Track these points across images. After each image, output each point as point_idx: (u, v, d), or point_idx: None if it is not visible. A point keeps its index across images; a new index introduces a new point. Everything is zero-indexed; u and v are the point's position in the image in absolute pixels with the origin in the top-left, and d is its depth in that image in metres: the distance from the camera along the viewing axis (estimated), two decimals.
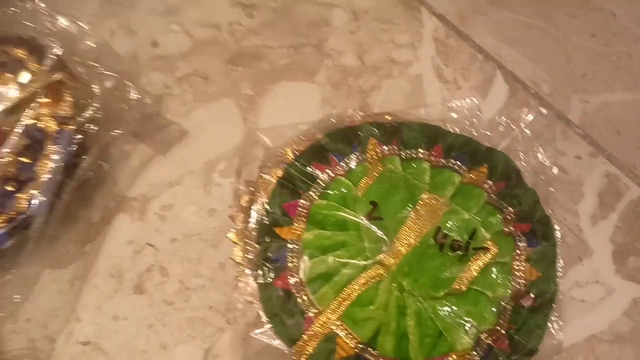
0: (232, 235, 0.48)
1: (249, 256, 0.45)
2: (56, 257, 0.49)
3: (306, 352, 0.42)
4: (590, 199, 0.52)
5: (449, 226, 0.45)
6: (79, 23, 0.54)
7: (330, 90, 0.57)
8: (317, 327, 0.42)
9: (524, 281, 0.44)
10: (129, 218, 0.51)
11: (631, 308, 0.47)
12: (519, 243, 0.45)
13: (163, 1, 0.61)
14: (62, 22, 0.53)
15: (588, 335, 0.47)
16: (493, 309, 0.44)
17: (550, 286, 0.44)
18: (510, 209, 0.47)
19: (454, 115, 0.52)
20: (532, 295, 0.44)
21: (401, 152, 0.49)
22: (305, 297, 0.44)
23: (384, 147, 0.49)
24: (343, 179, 0.48)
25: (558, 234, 0.47)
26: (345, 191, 0.47)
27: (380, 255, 0.44)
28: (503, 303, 0.44)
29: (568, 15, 0.61)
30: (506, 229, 0.46)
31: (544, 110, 0.55)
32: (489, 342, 0.43)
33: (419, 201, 0.46)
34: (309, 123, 0.51)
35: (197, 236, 0.50)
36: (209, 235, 0.50)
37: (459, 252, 0.44)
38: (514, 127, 0.51)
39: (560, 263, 0.46)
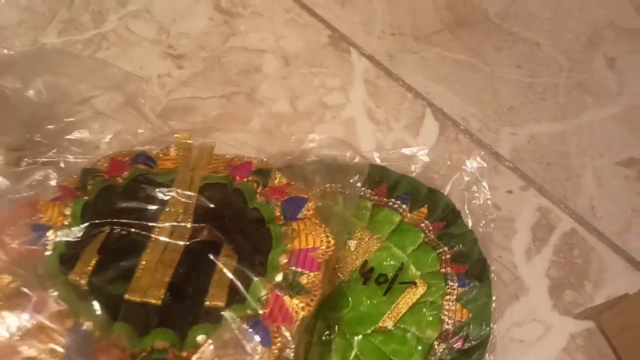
0: None
1: None
2: None
3: None
4: (524, 234, 0.50)
5: (378, 261, 0.44)
6: None
7: (264, 138, 0.55)
8: None
9: (452, 321, 0.43)
10: None
11: (569, 344, 0.46)
12: (450, 282, 0.44)
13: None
14: None
15: None
16: (419, 347, 0.42)
17: (481, 328, 0.43)
18: (446, 249, 0.46)
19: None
20: (461, 336, 0.42)
21: (345, 190, 0.47)
22: None
23: (328, 185, 0.48)
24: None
25: (494, 274, 0.46)
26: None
27: None
28: (434, 343, 0.42)
29: (495, 48, 0.60)
30: (442, 270, 0.45)
31: (474, 148, 0.54)
32: None
33: (351, 237, 0.45)
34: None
35: None
36: None
37: (383, 285, 0.43)
38: (453, 169, 0.51)
39: (495, 305, 0.44)
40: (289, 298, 0.35)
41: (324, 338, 0.42)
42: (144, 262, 0.38)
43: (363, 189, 0.48)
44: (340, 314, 0.42)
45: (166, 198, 0.41)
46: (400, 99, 0.57)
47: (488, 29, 0.62)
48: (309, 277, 0.37)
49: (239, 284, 0.36)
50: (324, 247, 0.38)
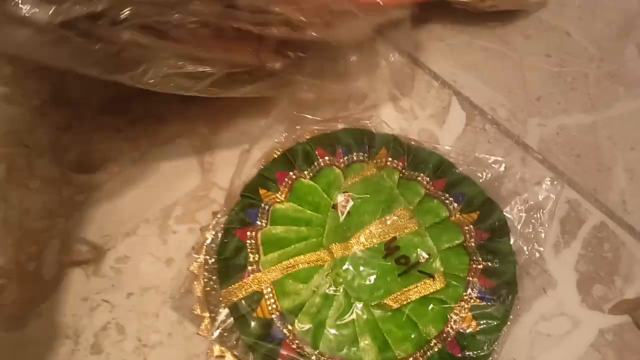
0: (194, 268, 0.45)
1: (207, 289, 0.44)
2: (9, 320, 0.45)
3: (232, 299, 0.42)
4: (553, 227, 0.48)
5: (407, 243, 0.43)
6: None
7: (287, 126, 0.53)
8: (250, 280, 0.42)
9: (457, 327, 0.41)
10: (84, 273, 0.47)
11: (598, 339, 0.44)
12: (470, 291, 0.42)
13: None
14: None
15: None
16: (415, 337, 0.41)
17: (484, 345, 0.40)
18: (480, 259, 0.44)
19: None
20: (460, 345, 0.40)
21: (404, 171, 0.48)
22: (255, 256, 0.43)
23: (391, 159, 0.48)
24: (337, 169, 0.47)
25: (519, 301, 0.44)
26: (333, 179, 0.46)
27: (332, 244, 0.43)
28: (432, 341, 0.41)
29: (523, 36, 0.58)
30: (468, 277, 0.43)
31: (502, 139, 0.52)
32: None
33: (391, 212, 0.44)
34: None
35: (154, 289, 0.47)
36: (166, 287, 0.47)
37: (402, 265, 0.42)
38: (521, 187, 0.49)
39: (506, 330, 0.42)
40: None
41: (327, 291, 0.42)
42: None
43: (422, 175, 0.48)
44: (352, 278, 0.42)
45: None
46: (426, 87, 0.55)
47: (516, 15, 0.59)
48: None
49: None
50: None
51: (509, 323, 0.42)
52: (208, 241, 0.46)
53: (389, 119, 0.54)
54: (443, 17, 0.59)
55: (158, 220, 0.49)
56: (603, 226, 0.49)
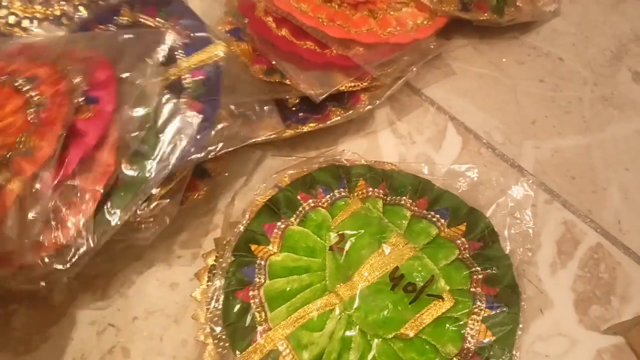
0: (197, 294, 0.46)
1: (209, 315, 0.43)
2: (19, 343, 0.46)
3: None
4: (548, 248, 0.49)
5: (409, 269, 0.43)
6: None
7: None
8: (263, 340, 0.41)
9: (475, 340, 0.41)
10: (91, 298, 0.48)
11: None
12: (478, 302, 0.43)
13: None
14: None
15: None
16: (435, 358, 0.41)
17: (503, 353, 0.41)
18: (479, 269, 0.45)
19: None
20: (482, 357, 0.41)
21: (386, 197, 0.49)
22: (262, 314, 0.43)
23: (371, 189, 0.49)
24: (322, 209, 0.47)
25: (524, 301, 0.44)
26: (321, 221, 0.47)
27: (337, 286, 0.43)
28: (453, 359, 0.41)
29: (517, 62, 0.60)
30: (472, 289, 0.44)
31: (497, 162, 0.53)
32: None
33: (386, 242, 0.44)
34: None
35: (159, 312, 0.48)
36: (171, 310, 0.48)
37: (410, 293, 0.42)
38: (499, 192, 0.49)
39: (520, 331, 0.42)
40: None
41: (343, 335, 0.41)
42: None
43: (404, 198, 0.49)
44: (365, 315, 0.42)
45: None
46: (422, 112, 0.57)
47: (510, 43, 0.61)
48: None
49: None
50: None
51: (520, 325, 0.42)
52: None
53: (388, 144, 0.55)
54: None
55: (163, 245, 0.51)
56: (599, 247, 0.49)
